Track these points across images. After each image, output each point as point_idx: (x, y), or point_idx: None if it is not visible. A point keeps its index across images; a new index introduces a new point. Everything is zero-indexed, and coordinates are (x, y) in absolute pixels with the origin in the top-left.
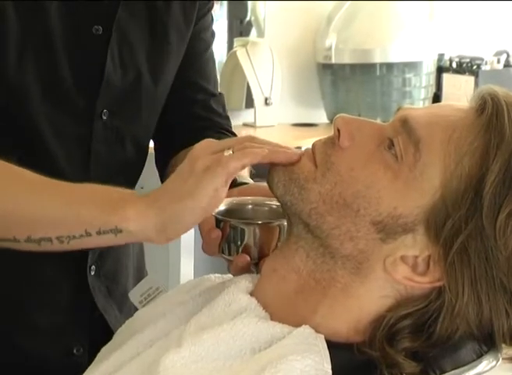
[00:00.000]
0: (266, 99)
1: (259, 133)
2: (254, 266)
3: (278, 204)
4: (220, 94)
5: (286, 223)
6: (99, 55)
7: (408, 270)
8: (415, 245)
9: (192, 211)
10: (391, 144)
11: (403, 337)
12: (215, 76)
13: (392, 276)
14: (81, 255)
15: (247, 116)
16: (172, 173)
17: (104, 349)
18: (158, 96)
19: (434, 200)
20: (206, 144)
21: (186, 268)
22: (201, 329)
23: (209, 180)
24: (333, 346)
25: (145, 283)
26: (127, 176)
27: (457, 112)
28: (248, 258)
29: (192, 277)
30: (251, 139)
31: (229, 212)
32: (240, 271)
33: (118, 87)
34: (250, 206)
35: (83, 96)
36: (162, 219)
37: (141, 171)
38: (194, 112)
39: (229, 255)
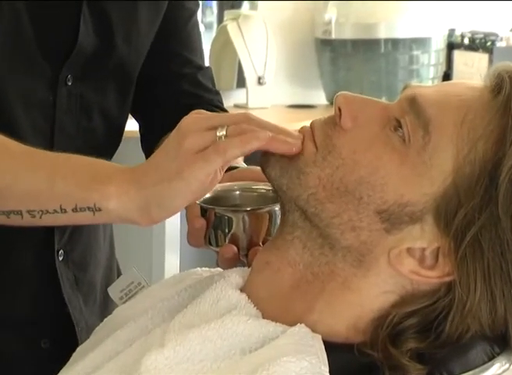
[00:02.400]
0: (259, 78)
1: None
2: (244, 257)
3: (267, 188)
4: (207, 67)
5: (277, 209)
6: (70, 18)
7: (415, 263)
8: (423, 236)
9: (180, 193)
10: (398, 126)
11: (408, 338)
12: (201, 47)
13: (397, 270)
14: (48, 238)
15: (238, 96)
16: (158, 149)
17: (80, 349)
18: (130, 65)
19: (444, 187)
20: (195, 119)
21: (171, 262)
22: (187, 327)
23: (203, 164)
24: (331, 347)
25: (126, 278)
26: (95, 155)
27: (471, 91)
28: (235, 249)
29: (177, 272)
30: (248, 119)
31: (215, 200)
32: (227, 263)
33: (87, 53)
34: (237, 192)
35: (49, 59)
36: (146, 199)
37: (113, 152)
38: (181, 87)
39: (216, 245)
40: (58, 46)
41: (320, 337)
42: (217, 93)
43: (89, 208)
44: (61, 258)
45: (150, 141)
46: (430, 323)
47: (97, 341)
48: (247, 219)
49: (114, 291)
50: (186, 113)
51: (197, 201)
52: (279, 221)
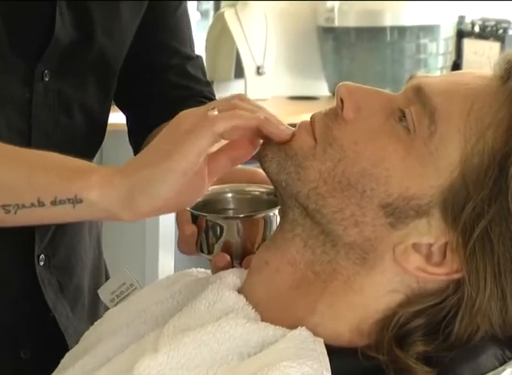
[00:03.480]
0: (258, 68)
1: None
2: (238, 265)
3: (261, 190)
4: (198, 56)
5: (271, 214)
6: (45, 10)
7: (421, 260)
8: (430, 231)
9: (166, 174)
10: (402, 116)
11: (415, 340)
12: (191, 36)
13: (402, 267)
14: (28, 242)
15: (236, 87)
16: (148, 145)
17: (68, 355)
18: (112, 57)
19: (452, 179)
20: (192, 110)
21: (165, 263)
22: (181, 331)
23: (192, 141)
24: (334, 351)
25: (117, 279)
26: (76, 154)
27: (480, 80)
28: (228, 258)
29: (172, 273)
30: (241, 98)
31: (206, 204)
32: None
33: (64, 46)
34: (229, 195)
35: (23, 54)
36: (130, 187)
37: (97, 149)
38: (169, 79)
39: (208, 253)
40: (32, 40)
41: (322, 340)
42: (208, 84)
43: (69, 199)
44: (42, 264)
45: (138, 135)
46: (438, 324)
47: (86, 346)
48: (240, 226)
49: (104, 293)
50: (176, 105)
51: (188, 208)
52: (274, 227)
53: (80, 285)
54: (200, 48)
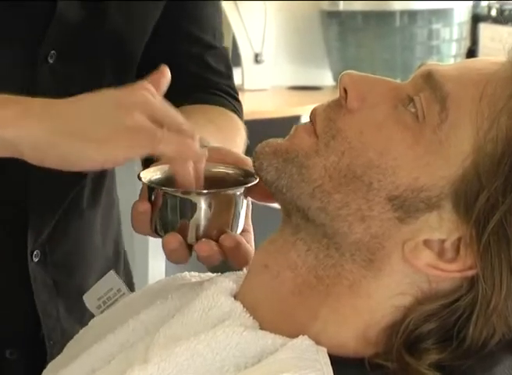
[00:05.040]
0: (257, 56)
1: (248, 99)
2: (190, 247)
3: (228, 171)
4: (221, 47)
5: (238, 193)
6: None
7: (433, 256)
8: (441, 225)
9: (85, 158)
10: (410, 103)
11: (427, 347)
12: (216, 24)
13: (412, 265)
14: (20, 236)
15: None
16: (94, 95)
17: (51, 365)
18: (128, 40)
19: (464, 168)
20: (151, 101)
21: (156, 266)
22: (173, 340)
23: (130, 144)
24: (338, 361)
25: (104, 284)
26: None
27: (493, 65)
28: (181, 238)
29: (163, 277)
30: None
31: (166, 181)
32: (174, 255)
33: (71, 24)
34: None
35: (25, 33)
36: (47, 141)
37: None
38: (186, 68)
39: (165, 233)
40: (34, 16)
41: (325, 350)
42: (228, 77)
43: None
44: (36, 260)
45: None
46: (451, 329)
47: (70, 356)
48: (201, 204)
49: (90, 299)
50: (186, 93)
51: (144, 180)
52: (241, 210)
53: (83, 286)
54: None
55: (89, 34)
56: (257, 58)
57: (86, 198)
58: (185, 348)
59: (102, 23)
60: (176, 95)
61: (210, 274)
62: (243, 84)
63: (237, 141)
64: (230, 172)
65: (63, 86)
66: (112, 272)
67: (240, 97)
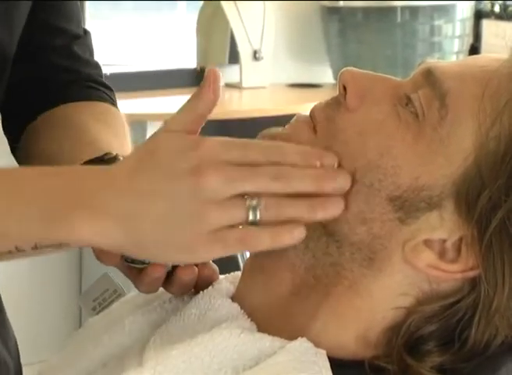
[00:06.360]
0: (255, 53)
1: (247, 97)
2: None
3: None
4: (85, 33)
5: None
6: None
7: (434, 257)
8: (442, 225)
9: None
10: (408, 102)
11: (428, 349)
12: (78, 12)
13: (413, 265)
14: None
15: (230, 74)
16: (143, 157)
17: (46, 367)
18: (9, 52)
19: (465, 167)
20: (217, 148)
21: None
22: (170, 343)
23: (220, 251)
24: (338, 364)
25: (99, 285)
26: None
27: (496, 62)
28: (165, 266)
29: None
30: (282, 154)
31: None
32: (152, 285)
33: None
34: None
35: None
36: (130, 251)
37: None
38: (53, 61)
39: (141, 262)
40: None
41: (324, 352)
42: (97, 66)
43: (53, 245)
44: None
45: (17, 123)
46: (452, 331)
47: (66, 359)
48: None
49: (86, 301)
50: (61, 90)
51: None
52: None
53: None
54: (190, 31)
55: None
56: (255, 55)
57: None
58: (182, 351)
59: None
60: (49, 93)
61: None
62: (241, 82)
63: (127, 137)
64: None
65: None
66: (107, 273)
67: (239, 94)
